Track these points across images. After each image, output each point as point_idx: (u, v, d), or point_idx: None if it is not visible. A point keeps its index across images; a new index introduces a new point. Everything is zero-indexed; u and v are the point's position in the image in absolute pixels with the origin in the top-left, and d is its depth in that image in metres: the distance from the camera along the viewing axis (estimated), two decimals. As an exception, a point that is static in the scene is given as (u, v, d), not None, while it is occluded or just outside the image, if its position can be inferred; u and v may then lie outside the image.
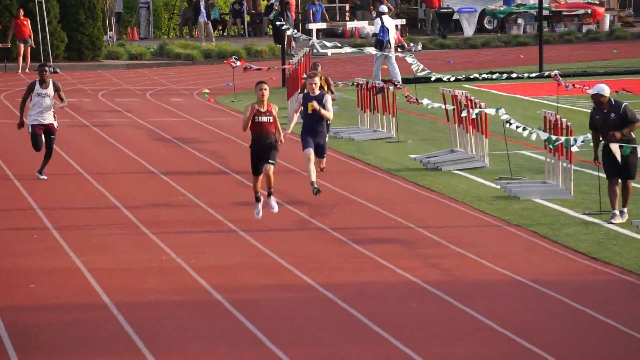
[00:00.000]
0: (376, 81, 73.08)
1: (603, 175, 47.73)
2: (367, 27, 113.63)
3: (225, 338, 30.89)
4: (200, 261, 38.42)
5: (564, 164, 48.62)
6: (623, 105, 44.22)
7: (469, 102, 55.06)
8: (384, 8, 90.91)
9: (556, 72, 72.96)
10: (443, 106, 60.27)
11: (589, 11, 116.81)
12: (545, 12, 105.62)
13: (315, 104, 37.06)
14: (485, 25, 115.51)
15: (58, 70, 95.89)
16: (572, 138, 48.49)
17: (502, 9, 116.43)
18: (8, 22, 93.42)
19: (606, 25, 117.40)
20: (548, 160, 50.93)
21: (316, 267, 37.47)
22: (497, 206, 47.85)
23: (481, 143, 55.32)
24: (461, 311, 34.06)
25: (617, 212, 42.90)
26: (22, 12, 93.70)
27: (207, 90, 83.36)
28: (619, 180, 43.62)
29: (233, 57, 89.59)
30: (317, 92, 35.65)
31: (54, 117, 41.83)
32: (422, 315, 34.04)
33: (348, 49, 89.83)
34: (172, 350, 29.77)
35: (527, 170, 54.65)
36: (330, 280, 36.53)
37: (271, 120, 31.94)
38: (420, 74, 72.44)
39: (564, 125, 48.21)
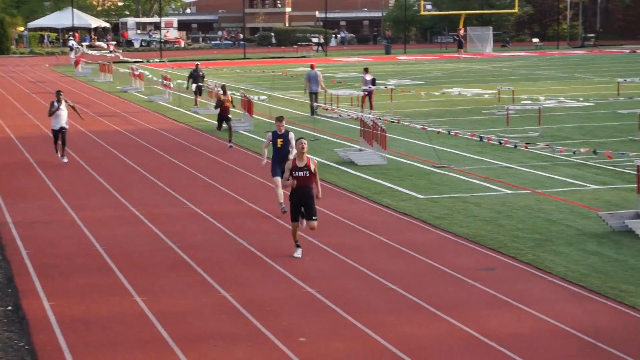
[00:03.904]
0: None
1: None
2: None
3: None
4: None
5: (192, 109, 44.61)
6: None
7: (135, 70, 52.40)
8: (103, 45, 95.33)
9: (166, 60, 72.18)
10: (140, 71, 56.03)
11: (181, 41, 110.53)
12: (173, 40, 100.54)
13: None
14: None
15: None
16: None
17: (150, 38, 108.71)
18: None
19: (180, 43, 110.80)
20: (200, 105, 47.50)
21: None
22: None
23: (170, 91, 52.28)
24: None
25: None
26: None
27: (47, 65, 79.72)
28: None
29: (56, 54, 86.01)
30: (283, 130, 19.50)
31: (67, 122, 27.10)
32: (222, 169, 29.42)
33: (101, 52, 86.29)
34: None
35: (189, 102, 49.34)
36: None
37: (308, 175, 15.93)
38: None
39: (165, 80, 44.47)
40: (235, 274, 14.96)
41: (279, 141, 19.24)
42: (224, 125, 30.16)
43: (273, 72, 59.76)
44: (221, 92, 30.30)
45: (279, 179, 19.10)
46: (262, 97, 40.88)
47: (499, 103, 38.88)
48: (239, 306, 13.24)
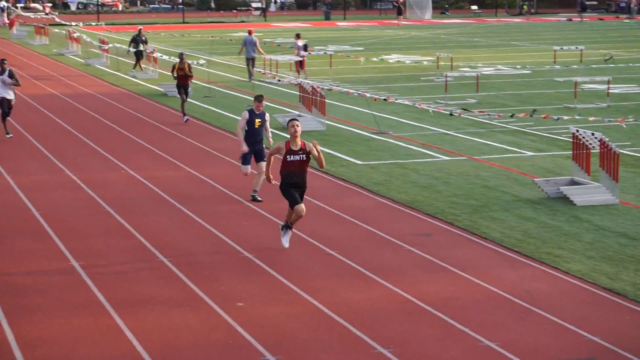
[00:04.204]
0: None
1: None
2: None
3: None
4: None
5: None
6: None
7: (73, 33, 51.89)
8: (38, 7, 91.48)
9: (103, 23, 71.09)
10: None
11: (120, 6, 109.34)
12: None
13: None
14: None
15: None
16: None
17: (87, 0, 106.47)
18: None
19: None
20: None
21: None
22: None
23: (86, 46, 51.34)
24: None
25: None
26: None
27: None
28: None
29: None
30: (261, 110, 17.27)
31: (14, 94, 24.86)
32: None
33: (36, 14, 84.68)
34: None
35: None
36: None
37: (304, 159, 13.61)
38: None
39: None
40: (173, 239, 14.85)
41: (257, 121, 17.44)
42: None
43: (212, 37, 59.49)
44: (178, 60, 27.89)
45: (248, 168, 17.69)
46: (201, 62, 40.92)
47: (438, 70, 39.09)
48: (176, 271, 13.18)
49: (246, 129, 17.46)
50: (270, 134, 17.50)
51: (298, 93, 27.90)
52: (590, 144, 17.54)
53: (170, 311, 11.53)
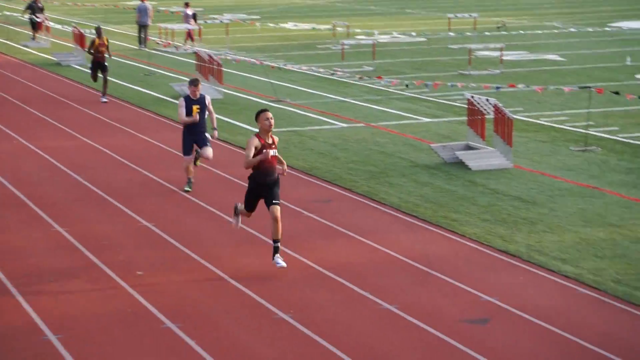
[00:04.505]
0: None
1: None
2: None
3: None
4: None
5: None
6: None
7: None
8: None
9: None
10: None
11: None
12: None
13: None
14: None
15: None
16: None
17: None
18: None
19: None
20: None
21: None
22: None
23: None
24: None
25: None
26: None
27: None
28: None
29: None
30: (199, 95, 15.91)
31: None
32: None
33: None
34: None
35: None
36: None
37: (276, 154, 11.85)
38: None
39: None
40: (69, 209, 14.68)
41: (195, 108, 15.89)
42: (100, 75, 25.42)
43: (106, 5, 58.59)
44: (95, 35, 25.47)
45: (190, 160, 15.84)
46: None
47: (334, 38, 39.16)
48: (74, 241, 13.02)
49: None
50: (214, 119, 16.09)
51: (195, 62, 27.70)
52: (485, 109, 17.86)
53: (69, 282, 11.39)
